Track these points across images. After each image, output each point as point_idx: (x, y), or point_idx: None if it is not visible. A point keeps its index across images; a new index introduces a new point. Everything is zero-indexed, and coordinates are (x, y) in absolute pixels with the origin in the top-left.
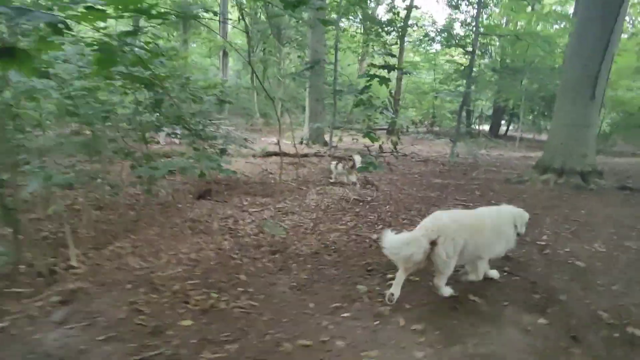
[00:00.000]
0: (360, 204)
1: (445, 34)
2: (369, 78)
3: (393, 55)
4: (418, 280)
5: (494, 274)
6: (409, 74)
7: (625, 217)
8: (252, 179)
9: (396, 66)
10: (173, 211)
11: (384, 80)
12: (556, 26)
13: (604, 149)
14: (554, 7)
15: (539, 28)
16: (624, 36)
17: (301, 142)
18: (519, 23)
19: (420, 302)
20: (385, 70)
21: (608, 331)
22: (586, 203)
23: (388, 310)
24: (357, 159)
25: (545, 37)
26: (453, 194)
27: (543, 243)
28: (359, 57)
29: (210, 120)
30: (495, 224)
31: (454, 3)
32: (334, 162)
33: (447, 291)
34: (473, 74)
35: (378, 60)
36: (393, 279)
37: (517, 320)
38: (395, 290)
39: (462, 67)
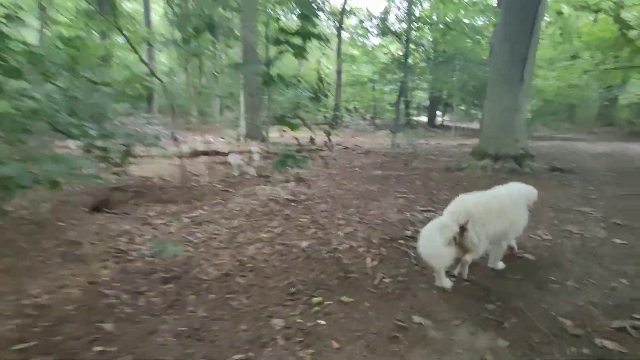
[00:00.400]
0: (293, 204)
1: (380, 24)
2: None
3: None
4: (352, 301)
5: (501, 265)
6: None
7: (561, 199)
8: (171, 183)
9: (315, 34)
10: (50, 232)
11: (299, 50)
12: (482, 21)
13: (528, 133)
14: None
15: (466, 21)
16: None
17: (238, 139)
18: (449, 17)
19: (354, 336)
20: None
21: (576, 347)
22: None
23: (309, 356)
24: (254, 149)
25: (472, 27)
26: (394, 185)
27: None
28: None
29: (109, 117)
30: (515, 202)
31: None
32: (234, 155)
33: (447, 282)
34: (409, 65)
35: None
36: (320, 303)
37: (472, 344)
38: (445, 282)
39: (398, 58)
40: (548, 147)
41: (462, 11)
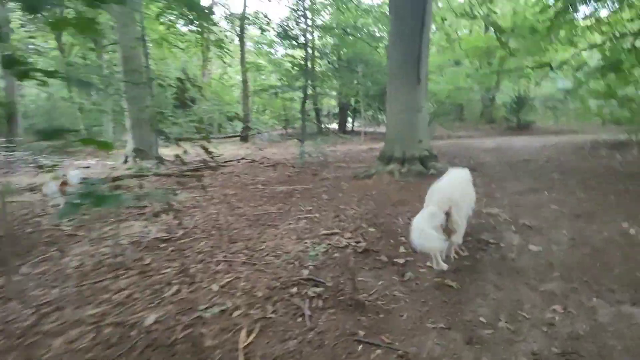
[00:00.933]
0: (162, 245)
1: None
2: None
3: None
4: None
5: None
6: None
7: None
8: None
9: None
10: None
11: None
12: (380, 29)
13: (430, 133)
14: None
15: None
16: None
17: (125, 161)
18: (346, 25)
19: None
20: None
21: None
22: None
23: None
24: (73, 173)
25: (369, 34)
26: (298, 203)
27: (402, 260)
28: (203, 60)
29: None
30: (468, 182)
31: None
32: (50, 182)
33: (444, 265)
34: (310, 71)
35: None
36: None
37: None
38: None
39: (299, 65)
40: (447, 146)
41: (360, 19)
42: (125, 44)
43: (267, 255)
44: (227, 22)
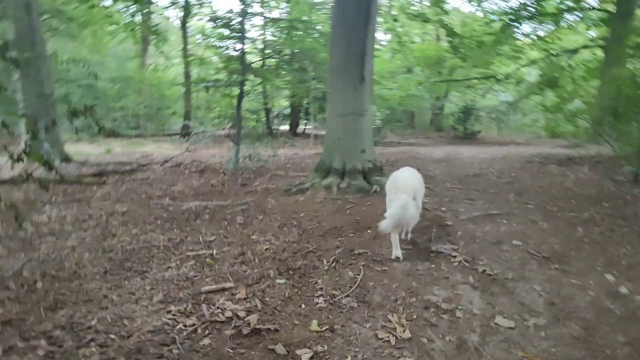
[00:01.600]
0: None
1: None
2: None
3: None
4: None
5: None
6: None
7: (415, 232)
8: None
9: None
10: None
11: None
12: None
13: (377, 140)
14: None
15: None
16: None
17: (17, 160)
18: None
19: None
20: None
21: None
22: (372, 218)
23: None
24: None
25: (314, 22)
26: (200, 228)
27: (308, 355)
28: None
29: None
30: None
31: None
32: None
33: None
34: (255, 67)
35: None
36: None
37: None
38: (399, 251)
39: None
40: (396, 154)
41: (310, 15)
42: (16, 16)
43: (91, 340)
44: (174, 8)
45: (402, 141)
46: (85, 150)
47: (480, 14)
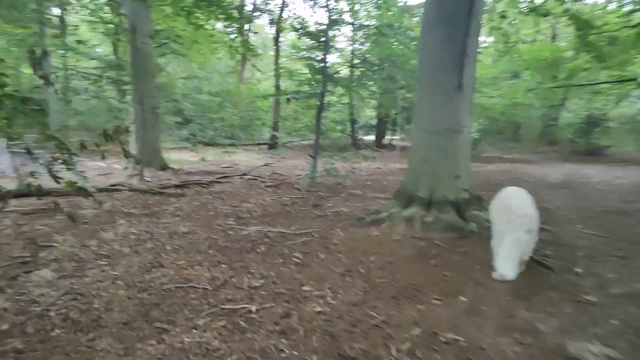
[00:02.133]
0: None
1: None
2: None
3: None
4: None
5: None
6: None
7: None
8: None
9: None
10: None
11: None
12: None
13: (474, 154)
14: None
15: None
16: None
17: (126, 167)
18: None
19: None
20: None
21: None
22: (468, 274)
23: None
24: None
25: (405, 28)
26: (250, 266)
27: None
28: (235, 60)
29: None
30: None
31: None
32: None
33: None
34: (331, 73)
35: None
36: None
37: None
38: (509, 265)
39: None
40: (496, 174)
41: (400, 20)
42: (136, 42)
43: None
44: (270, 26)
45: (505, 156)
46: (185, 158)
47: (613, 5)
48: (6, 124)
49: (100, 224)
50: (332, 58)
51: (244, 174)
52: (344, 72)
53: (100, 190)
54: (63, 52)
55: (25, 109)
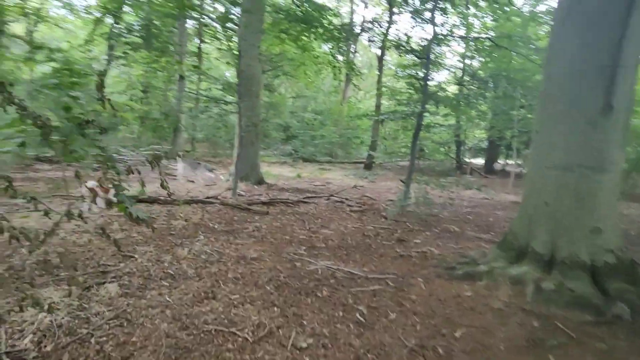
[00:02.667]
0: None
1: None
2: None
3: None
4: None
5: None
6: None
7: None
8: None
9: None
10: None
11: None
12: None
13: (622, 191)
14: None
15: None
16: None
17: (228, 180)
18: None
19: None
20: None
21: None
22: None
23: None
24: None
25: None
26: (303, 317)
27: None
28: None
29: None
30: None
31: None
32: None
33: None
34: (432, 92)
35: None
36: None
37: None
38: None
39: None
40: None
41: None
42: (245, 55)
43: None
44: (373, 46)
45: None
46: (284, 173)
47: None
48: (64, 144)
49: (183, 237)
50: (440, 76)
51: (331, 195)
52: (452, 89)
53: (196, 201)
54: (198, 76)
55: (82, 132)
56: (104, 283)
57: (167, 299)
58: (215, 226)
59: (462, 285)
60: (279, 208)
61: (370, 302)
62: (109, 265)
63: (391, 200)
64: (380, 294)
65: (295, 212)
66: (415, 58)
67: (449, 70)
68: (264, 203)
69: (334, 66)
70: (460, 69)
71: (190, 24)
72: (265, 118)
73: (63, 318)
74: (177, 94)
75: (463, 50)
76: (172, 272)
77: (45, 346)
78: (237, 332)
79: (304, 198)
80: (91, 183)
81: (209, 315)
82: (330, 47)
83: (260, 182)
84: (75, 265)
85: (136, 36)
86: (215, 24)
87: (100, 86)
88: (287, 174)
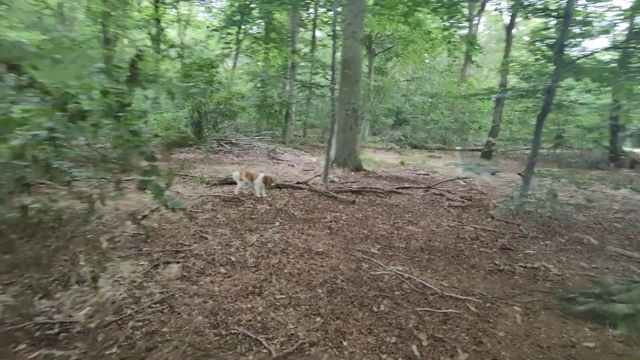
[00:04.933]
0: None
1: None
2: None
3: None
4: None
5: None
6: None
7: None
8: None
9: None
10: None
11: None
12: None
13: None
14: None
15: None
16: None
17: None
18: None
19: None
20: None
21: None
22: None
23: None
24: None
25: None
26: (339, 335)
27: None
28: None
29: None
30: None
31: None
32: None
33: None
34: (568, 60)
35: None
36: None
37: None
38: None
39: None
40: None
41: None
42: (347, 38)
43: None
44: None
45: None
46: (387, 160)
47: None
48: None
49: (260, 222)
50: (590, 43)
51: (429, 187)
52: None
53: (286, 186)
54: (310, 65)
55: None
56: (169, 263)
57: (216, 288)
58: (295, 213)
59: (583, 328)
60: (367, 198)
61: (437, 330)
62: (184, 245)
63: (505, 196)
64: (454, 322)
65: (384, 203)
66: (550, 17)
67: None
68: (352, 191)
69: (449, 41)
70: (621, 30)
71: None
72: (373, 103)
73: (121, 294)
74: (289, 82)
75: (628, 3)
76: (233, 259)
77: (91, 322)
78: (265, 342)
79: (397, 188)
80: (235, 174)
81: (245, 314)
82: (444, 19)
83: (358, 168)
84: (145, 241)
85: (257, 31)
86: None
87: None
88: (391, 160)
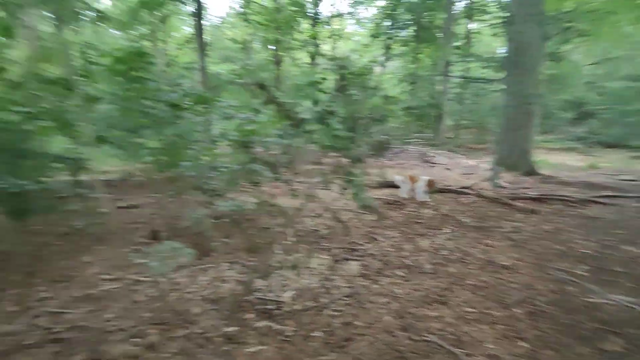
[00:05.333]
0: None
1: None
2: None
3: None
4: None
5: None
6: None
7: None
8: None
9: None
10: None
11: None
12: None
13: None
14: None
15: None
16: None
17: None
18: None
19: None
20: None
21: None
22: None
23: None
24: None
25: None
26: None
27: None
28: None
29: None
30: None
31: None
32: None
33: None
34: None
35: None
36: None
37: None
38: None
39: None
40: None
41: None
42: (518, 30)
43: None
44: None
45: None
46: (567, 162)
47: None
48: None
49: (428, 227)
50: None
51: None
52: None
53: (449, 191)
54: (465, 60)
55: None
56: (349, 260)
57: (398, 290)
58: (465, 220)
59: None
60: (553, 207)
61: None
62: (357, 244)
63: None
64: None
65: (579, 214)
66: None
67: None
68: (532, 199)
69: None
70: None
71: (459, 6)
72: (546, 95)
73: (314, 284)
74: (442, 80)
75: None
76: (408, 263)
77: (295, 304)
78: (463, 357)
79: (596, 197)
80: (397, 178)
81: (434, 323)
82: None
83: (531, 172)
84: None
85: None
86: None
87: (342, 87)
88: (573, 163)
